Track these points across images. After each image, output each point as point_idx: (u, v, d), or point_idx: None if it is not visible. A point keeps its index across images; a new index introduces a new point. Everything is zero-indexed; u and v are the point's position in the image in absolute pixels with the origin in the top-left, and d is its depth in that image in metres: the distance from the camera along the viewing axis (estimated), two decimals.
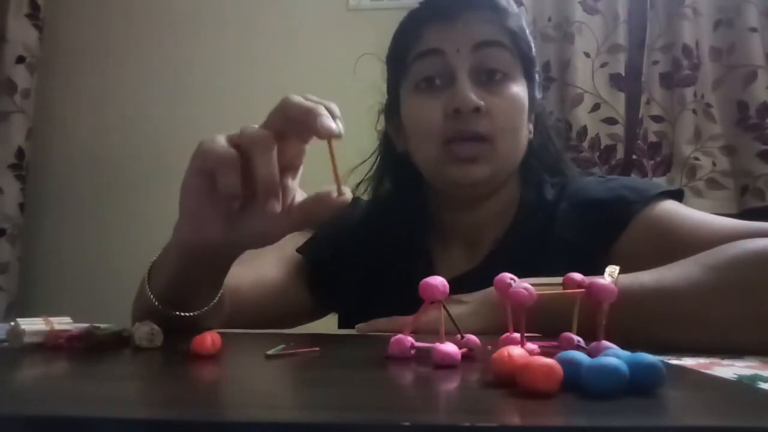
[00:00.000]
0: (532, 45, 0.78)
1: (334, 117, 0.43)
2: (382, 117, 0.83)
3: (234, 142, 0.44)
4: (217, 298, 0.55)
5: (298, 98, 0.43)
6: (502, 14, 0.74)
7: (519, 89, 0.73)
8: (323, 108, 0.42)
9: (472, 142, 0.70)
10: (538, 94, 0.80)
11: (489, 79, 0.71)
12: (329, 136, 0.41)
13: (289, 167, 0.46)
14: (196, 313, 0.53)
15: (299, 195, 0.48)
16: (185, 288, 0.52)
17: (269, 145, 0.43)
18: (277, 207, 0.43)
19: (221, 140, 0.44)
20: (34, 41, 1.74)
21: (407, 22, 0.77)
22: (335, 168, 0.43)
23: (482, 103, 0.69)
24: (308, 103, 0.43)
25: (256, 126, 0.44)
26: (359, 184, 0.82)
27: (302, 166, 0.49)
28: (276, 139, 0.43)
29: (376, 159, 0.83)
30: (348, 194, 0.44)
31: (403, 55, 0.75)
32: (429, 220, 0.79)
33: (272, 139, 0.43)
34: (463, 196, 0.75)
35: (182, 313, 0.52)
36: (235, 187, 0.42)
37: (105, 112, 1.80)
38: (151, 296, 0.52)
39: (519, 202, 0.77)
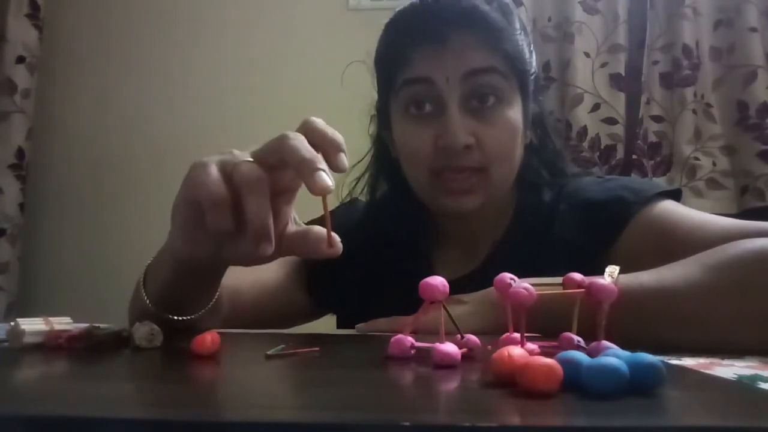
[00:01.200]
0: (533, 56, 0.75)
1: (337, 152, 0.41)
2: (374, 121, 0.82)
3: (227, 175, 0.41)
4: (212, 302, 0.54)
5: (296, 141, 0.40)
6: (496, 35, 0.69)
7: (512, 112, 0.70)
8: (320, 160, 0.39)
9: (465, 173, 0.69)
10: (533, 104, 0.77)
11: (481, 104, 0.69)
12: (322, 193, 0.39)
13: (284, 191, 0.45)
14: (191, 317, 0.53)
15: (291, 222, 0.47)
16: (180, 292, 0.51)
17: (263, 189, 0.40)
18: (269, 249, 0.41)
19: (213, 173, 0.41)
20: (34, 41, 1.74)
21: (393, 34, 0.73)
22: (328, 221, 0.42)
23: (472, 140, 0.67)
24: (306, 153, 0.39)
25: (250, 159, 0.41)
26: (356, 183, 0.82)
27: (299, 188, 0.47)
28: (271, 169, 0.41)
29: (371, 161, 0.83)
30: (338, 248, 0.43)
31: (391, 75, 0.72)
32: (427, 223, 0.79)
33: (266, 180, 0.40)
34: (457, 218, 0.75)
35: (177, 317, 0.52)
36: (224, 226, 0.40)
37: (105, 112, 1.80)
38: (146, 299, 0.52)
39: (516, 203, 0.77)
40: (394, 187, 0.81)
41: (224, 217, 0.40)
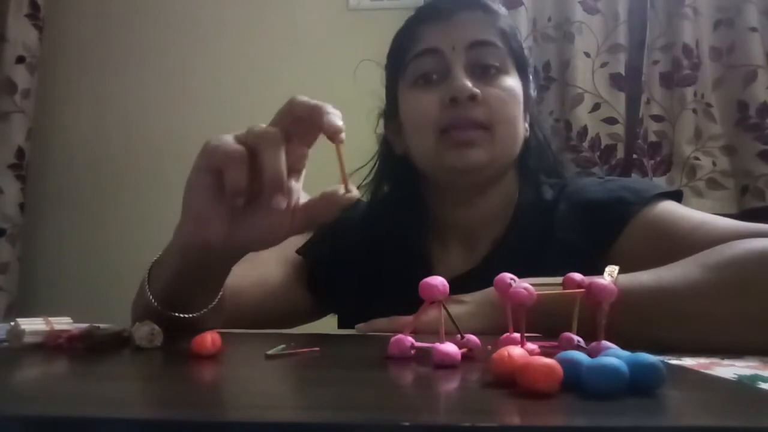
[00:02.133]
0: (523, 45, 0.80)
1: (325, 115, 0.43)
2: (381, 121, 0.83)
3: (241, 140, 0.44)
4: (216, 300, 0.54)
5: (302, 98, 0.44)
6: (493, 15, 0.76)
7: (513, 82, 0.75)
8: (330, 106, 0.43)
9: (471, 128, 0.71)
10: (533, 93, 0.81)
11: (484, 73, 0.73)
12: (335, 131, 0.42)
13: (292, 169, 0.46)
14: (195, 314, 0.53)
15: (303, 198, 0.48)
16: (185, 289, 0.52)
17: (278, 142, 0.43)
18: (284, 203, 0.43)
19: (228, 138, 0.44)
20: (34, 41, 1.74)
21: (404, 26, 0.79)
22: (342, 167, 0.44)
23: (478, 91, 0.70)
24: (314, 101, 0.43)
25: (263, 125, 0.45)
26: (359, 187, 0.82)
27: (305, 170, 0.49)
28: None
29: (376, 163, 0.83)
30: (355, 192, 0.45)
31: (401, 55, 0.76)
32: (427, 221, 0.79)
33: (279, 134, 0.43)
34: (462, 186, 0.75)
35: (181, 315, 0.52)
36: (242, 182, 0.42)
37: (105, 112, 1.80)
38: (150, 297, 0.52)
39: (517, 201, 0.77)
40: (396, 186, 0.82)
41: (241, 173, 0.42)
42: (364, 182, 0.83)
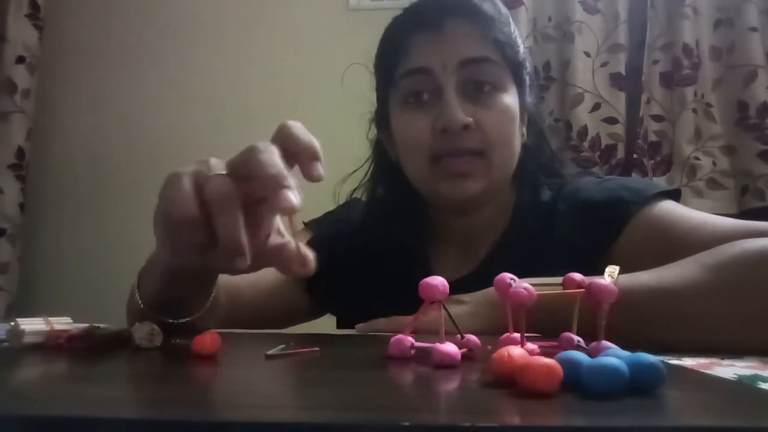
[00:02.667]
0: (521, 48, 0.76)
1: (312, 160, 0.40)
2: (373, 125, 0.82)
3: (199, 188, 0.39)
4: (208, 304, 0.53)
5: (264, 155, 0.38)
6: (487, 24, 0.72)
7: (509, 99, 0.72)
8: (287, 177, 0.37)
9: (465, 157, 0.69)
10: (530, 98, 0.79)
11: (478, 90, 0.70)
12: (286, 213, 0.37)
13: (265, 198, 0.42)
14: (186, 320, 0.52)
15: (274, 232, 0.45)
16: (171, 298, 0.50)
17: (232, 206, 0.38)
18: (243, 264, 0.39)
19: (184, 189, 0.39)
20: (34, 41, 1.74)
21: (392, 30, 0.75)
22: (296, 241, 0.41)
23: (470, 119, 0.68)
24: (271, 170, 0.37)
25: (223, 172, 0.39)
26: (355, 189, 0.82)
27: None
28: (247, 178, 0.39)
29: (371, 166, 0.83)
30: (310, 267, 0.41)
31: (390, 67, 0.74)
32: (426, 224, 0.79)
33: (236, 198, 0.38)
34: (457, 208, 0.75)
35: (172, 321, 0.51)
36: (198, 239, 0.40)
37: (105, 112, 1.80)
38: (140, 303, 0.52)
39: (515, 204, 0.77)
40: (393, 191, 0.81)
41: (197, 233, 0.39)
42: (359, 185, 0.82)
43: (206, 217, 0.39)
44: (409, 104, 0.72)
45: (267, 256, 0.44)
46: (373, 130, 0.82)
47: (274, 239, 0.45)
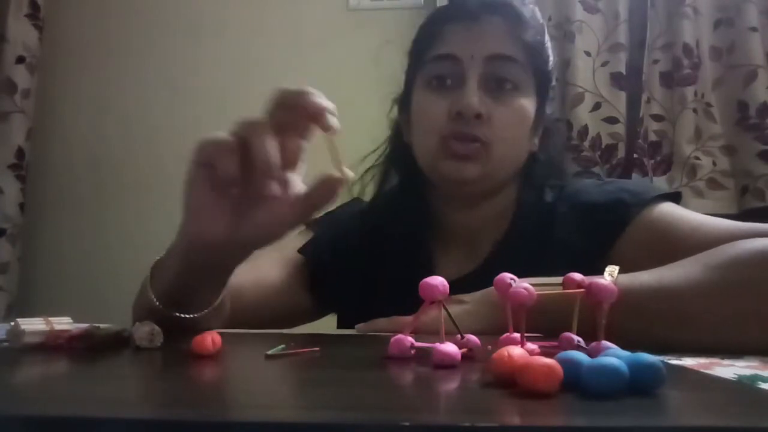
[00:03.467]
0: (551, 59, 0.78)
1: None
2: (394, 107, 0.83)
3: (232, 131, 0.44)
4: (218, 301, 0.54)
5: (299, 89, 0.44)
6: (521, 27, 0.74)
7: (526, 102, 0.73)
8: (313, 90, 0.43)
9: (469, 141, 0.71)
10: (549, 110, 0.80)
11: (498, 87, 0.72)
12: (319, 111, 0.42)
13: (289, 162, 0.46)
14: (197, 315, 0.53)
15: (302, 190, 0.48)
16: (187, 289, 0.51)
17: (265, 130, 0.43)
18: (276, 189, 0.43)
19: (220, 132, 0.44)
20: (34, 41, 1.74)
21: (431, 18, 0.79)
22: (335, 151, 0.44)
23: (484, 110, 0.70)
24: (298, 87, 0.44)
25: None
26: (365, 173, 0.83)
27: (305, 165, 0.48)
28: (275, 132, 0.43)
29: (386, 148, 0.84)
30: (350, 174, 0.45)
31: (422, 50, 0.76)
32: (429, 223, 0.80)
33: (268, 123, 0.43)
34: (459, 194, 0.75)
35: (183, 315, 0.52)
36: (232, 170, 0.42)
37: (105, 112, 1.80)
38: (152, 296, 0.52)
39: (517, 204, 0.78)
40: (402, 177, 0.82)
41: (232, 162, 0.42)
42: (372, 167, 0.83)
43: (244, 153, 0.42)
44: (432, 87, 0.74)
45: (302, 203, 0.46)
46: (394, 111, 0.84)
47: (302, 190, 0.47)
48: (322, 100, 0.43)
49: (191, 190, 0.46)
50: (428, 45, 0.75)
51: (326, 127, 0.43)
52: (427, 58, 0.75)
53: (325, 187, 0.45)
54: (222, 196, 0.45)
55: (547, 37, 0.78)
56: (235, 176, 0.43)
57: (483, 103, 0.70)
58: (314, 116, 0.43)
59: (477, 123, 0.70)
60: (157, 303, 0.52)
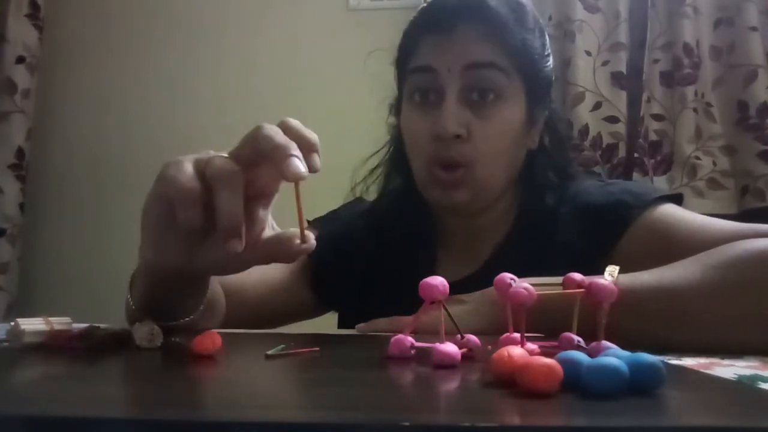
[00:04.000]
0: (548, 59, 0.75)
1: (310, 152, 0.40)
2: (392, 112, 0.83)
3: (200, 171, 0.40)
4: (202, 306, 0.52)
5: (270, 131, 0.39)
6: (501, 30, 0.70)
7: (511, 111, 0.71)
8: (295, 147, 0.39)
9: (452, 169, 0.69)
10: (553, 104, 0.79)
11: (481, 98, 0.69)
12: (295, 179, 0.38)
13: (261, 195, 0.43)
14: (180, 321, 0.51)
15: (269, 227, 0.45)
16: (160, 301, 0.49)
17: (236, 182, 0.39)
18: (239, 247, 0.39)
19: (187, 168, 0.40)
20: (34, 41, 1.74)
21: (410, 25, 0.76)
22: (300, 212, 0.40)
23: (463, 130, 0.68)
24: (279, 139, 0.39)
25: (225, 155, 0.41)
26: (366, 177, 0.82)
27: (277, 193, 0.45)
28: (247, 167, 0.40)
29: (388, 150, 0.83)
30: (311, 242, 0.41)
31: (404, 61, 0.75)
32: (431, 223, 0.80)
33: (240, 175, 0.39)
34: (452, 212, 0.75)
35: (165, 324, 0.51)
36: (194, 222, 0.39)
37: (105, 112, 1.80)
38: (133, 306, 0.51)
39: (519, 206, 0.77)
40: (404, 180, 0.80)
41: (194, 212, 0.39)
42: (376, 167, 0.82)
43: (206, 200, 0.39)
44: (415, 101, 0.73)
45: (263, 249, 0.43)
46: (392, 116, 0.83)
47: (268, 232, 0.45)
48: (300, 166, 0.38)
49: (147, 219, 0.43)
50: (407, 56, 0.74)
51: (288, 177, 0.38)
52: (408, 70, 0.73)
53: (284, 248, 0.42)
54: (179, 232, 0.41)
55: (542, 38, 0.75)
56: (195, 226, 0.39)
57: (461, 123, 0.68)
58: (286, 180, 0.38)
59: (457, 142, 0.68)
60: (138, 313, 0.50)
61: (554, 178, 0.78)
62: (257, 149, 0.39)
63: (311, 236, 0.41)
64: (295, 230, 0.41)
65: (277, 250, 0.42)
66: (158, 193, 0.42)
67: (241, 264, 0.44)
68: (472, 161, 0.69)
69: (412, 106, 0.73)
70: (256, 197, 0.42)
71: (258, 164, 0.40)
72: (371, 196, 0.84)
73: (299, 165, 0.38)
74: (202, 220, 0.39)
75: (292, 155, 0.38)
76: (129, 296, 0.52)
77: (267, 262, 0.44)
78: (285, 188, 0.43)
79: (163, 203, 0.41)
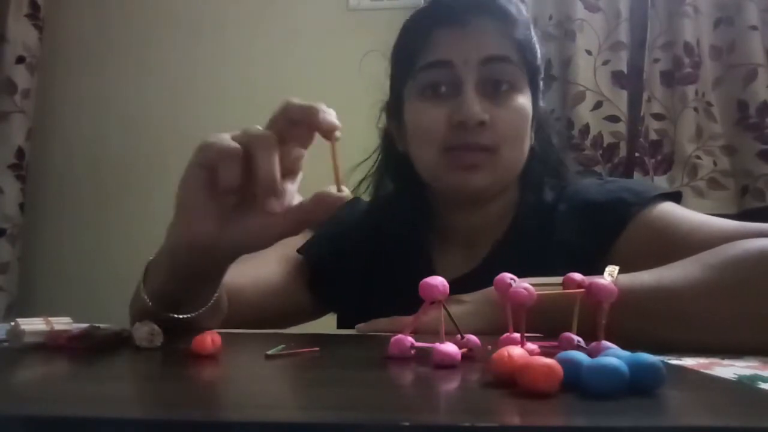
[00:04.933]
0: (538, 52, 0.77)
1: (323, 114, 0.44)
2: (383, 115, 0.82)
3: (237, 139, 0.44)
4: (213, 301, 0.54)
5: (297, 100, 0.44)
6: (511, 25, 0.73)
7: (524, 100, 0.73)
8: (324, 105, 0.43)
9: (476, 151, 0.70)
10: (541, 102, 0.79)
11: (495, 90, 0.71)
12: (331, 129, 0.42)
13: (288, 172, 0.46)
14: (190, 315, 0.52)
15: (297, 200, 0.48)
16: (179, 290, 0.51)
17: (272, 145, 0.43)
18: (276, 206, 0.43)
19: (224, 135, 0.44)
20: (34, 41, 1.74)
21: (416, 21, 0.76)
22: (337, 167, 0.43)
23: (487, 116, 0.69)
24: (308, 102, 0.44)
25: (259, 127, 0.45)
26: (361, 182, 0.82)
27: (302, 172, 0.49)
28: (277, 142, 0.44)
29: (378, 157, 0.83)
30: (347, 192, 0.44)
31: (411, 57, 0.74)
32: (429, 221, 0.80)
33: (274, 138, 0.43)
34: (465, 200, 0.75)
35: (177, 316, 0.52)
36: (234, 179, 0.43)
37: (105, 112, 1.80)
38: (146, 297, 0.52)
39: (518, 204, 0.77)
40: (398, 183, 0.81)
41: (235, 171, 0.42)
42: (366, 176, 0.82)
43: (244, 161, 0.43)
44: (426, 96, 0.72)
45: (296, 215, 0.46)
46: (383, 120, 0.83)
47: (296, 202, 0.48)
48: (333, 117, 0.43)
49: (186, 190, 0.46)
50: (417, 51, 0.73)
51: (323, 129, 0.43)
52: (418, 66, 0.73)
53: (321, 203, 0.45)
54: (216, 200, 0.45)
55: (533, 32, 0.77)
56: (235, 185, 0.43)
57: (484, 109, 0.69)
58: (323, 132, 0.43)
59: (481, 130, 0.69)
60: (150, 303, 0.51)
61: (545, 176, 0.78)
62: (290, 116, 0.44)
63: (346, 189, 0.45)
64: (331, 186, 0.45)
65: (314, 208, 0.45)
66: (198, 161, 0.45)
67: (273, 234, 0.47)
68: (497, 145, 0.70)
69: (423, 100, 0.73)
70: (283, 174, 0.45)
71: (285, 142, 0.45)
72: (366, 197, 0.84)
73: (333, 118, 0.43)
74: (240, 181, 0.42)
75: (323, 111, 0.43)
76: (143, 287, 0.53)
77: (300, 228, 0.48)
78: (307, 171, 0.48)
79: (202, 171, 0.45)
